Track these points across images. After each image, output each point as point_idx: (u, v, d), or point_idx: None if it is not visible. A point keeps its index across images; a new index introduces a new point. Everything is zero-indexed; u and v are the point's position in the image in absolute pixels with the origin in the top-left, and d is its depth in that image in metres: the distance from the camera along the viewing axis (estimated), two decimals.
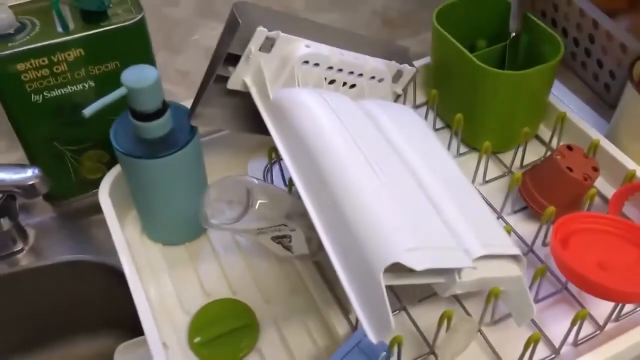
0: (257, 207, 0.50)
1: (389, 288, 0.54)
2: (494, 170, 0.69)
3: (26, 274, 0.69)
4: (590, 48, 0.75)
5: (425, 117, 0.74)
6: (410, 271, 0.47)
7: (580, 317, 0.50)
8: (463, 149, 0.72)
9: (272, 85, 0.56)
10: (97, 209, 0.67)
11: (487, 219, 0.53)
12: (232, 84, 0.57)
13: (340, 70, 0.60)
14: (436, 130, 0.74)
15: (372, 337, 0.42)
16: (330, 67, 0.59)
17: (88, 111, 0.52)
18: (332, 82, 0.60)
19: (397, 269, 0.46)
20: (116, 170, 0.65)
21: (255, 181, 0.51)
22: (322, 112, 0.53)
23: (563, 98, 0.76)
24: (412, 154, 0.54)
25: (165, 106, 0.56)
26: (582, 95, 0.78)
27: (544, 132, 0.72)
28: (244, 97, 0.58)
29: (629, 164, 0.64)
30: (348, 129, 0.52)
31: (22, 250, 0.69)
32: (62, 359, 0.75)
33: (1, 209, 0.64)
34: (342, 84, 0.61)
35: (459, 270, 0.48)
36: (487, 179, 0.68)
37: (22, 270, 0.68)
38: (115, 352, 0.58)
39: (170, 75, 0.79)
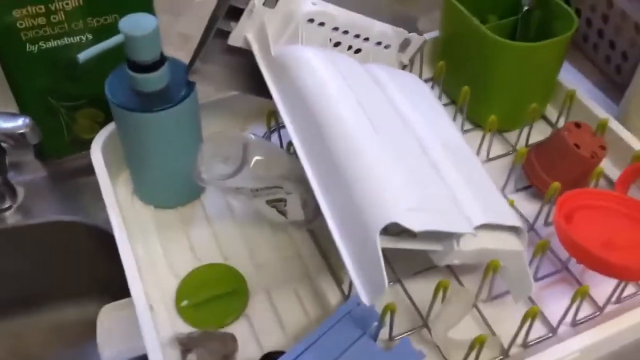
0: (252, 164, 0.48)
1: (384, 258, 0.52)
2: (498, 149, 0.68)
3: (13, 232, 0.67)
4: (603, 29, 0.73)
5: None
6: (407, 235, 0.45)
7: (581, 294, 0.48)
8: (467, 126, 0.70)
9: (274, 42, 0.54)
10: (89, 170, 0.65)
11: (489, 189, 0.51)
12: (234, 40, 0.55)
13: (346, 32, 0.58)
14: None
15: (365, 299, 0.41)
16: (336, 28, 0.57)
17: (83, 56, 0.50)
18: (337, 44, 0.58)
19: (393, 231, 0.44)
20: (110, 127, 0.63)
21: (253, 137, 0.49)
22: (326, 70, 0.51)
23: (572, 80, 0.74)
24: (416, 119, 0.53)
25: (163, 59, 0.54)
26: (592, 78, 0.76)
27: (552, 112, 0.70)
28: (245, 56, 0.56)
29: (637, 145, 0.62)
30: (352, 89, 0.50)
31: (10, 207, 0.67)
32: (47, 324, 0.74)
33: None
34: (347, 47, 0.59)
35: (457, 238, 0.46)
36: (490, 156, 0.66)
37: (9, 228, 0.66)
38: (99, 313, 0.56)
39: (171, 38, 0.77)
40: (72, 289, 0.73)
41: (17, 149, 0.57)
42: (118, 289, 0.59)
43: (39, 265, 0.70)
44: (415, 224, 0.41)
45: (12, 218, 0.67)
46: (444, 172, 0.49)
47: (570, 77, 0.74)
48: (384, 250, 0.40)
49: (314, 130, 0.47)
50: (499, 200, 0.51)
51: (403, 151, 0.48)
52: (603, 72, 0.76)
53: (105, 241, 0.67)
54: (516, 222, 0.49)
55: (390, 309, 0.46)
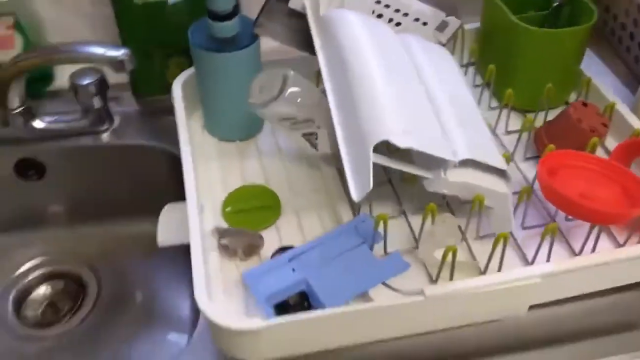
0: (288, 93, 0.60)
1: (395, 193, 0.63)
2: (518, 124, 0.76)
3: (106, 149, 0.83)
4: (634, 32, 0.80)
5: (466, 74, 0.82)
6: (399, 158, 0.56)
7: (551, 230, 0.56)
8: (495, 104, 0.78)
9: (325, 7, 0.66)
10: (172, 110, 0.81)
11: (484, 137, 0.61)
12: (293, 4, 0.68)
13: (387, 6, 0.69)
14: (475, 86, 0.81)
15: (354, 195, 0.51)
16: (379, 2, 0.68)
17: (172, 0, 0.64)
18: (379, 16, 0.70)
19: (388, 151, 0.55)
20: (189, 71, 0.77)
21: (292, 72, 0.61)
22: (359, 27, 0.62)
23: (601, 77, 0.81)
24: (432, 76, 0.63)
25: (235, 11, 0.68)
26: (621, 78, 0.83)
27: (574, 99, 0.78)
28: (301, 18, 0.69)
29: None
30: (379, 44, 0.61)
31: (107, 130, 0.83)
32: (114, 234, 0.88)
33: (96, 88, 0.79)
34: (388, 20, 0.70)
35: (445, 168, 0.56)
36: (509, 129, 0.75)
37: (104, 146, 0.82)
38: (163, 208, 0.69)
39: None
40: (144, 206, 0.87)
41: (115, 71, 0.72)
42: None
43: (122, 181, 0.85)
44: (403, 143, 0.52)
45: (107, 138, 0.83)
46: (444, 115, 0.59)
47: (600, 73, 0.81)
48: (395, 185, 0.50)
49: (340, 71, 0.59)
50: (491, 147, 0.60)
51: (409, 92, 0.58)
52: (633, 73, 0.82)
53: (177, 167, 0.81)
54: (502, 165, 0.58)
55: (382, 218, 0.57)
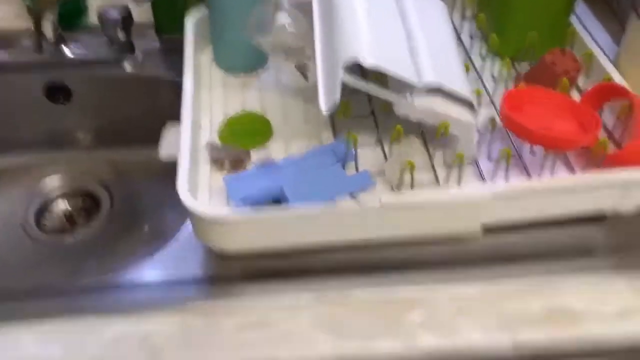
0: (278, 21, 0.66)
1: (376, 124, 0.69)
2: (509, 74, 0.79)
3: (127, 79, 0.91)
4: None
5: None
6: (367, 82, 0.61)
7: (507, 152, 0.60)
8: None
9: None
10: None
11: (456, 73, 0.65)
12: None
13: None
14: (472, 38, 0.85)
15: (323, 106, 0.57)
16: None
17: None
18: None
19: (364, 78, 0.60)
20: (203, 10, 0.84)
21: (283, 2, 0.67)
22: None
23: (596, 34, 0.84)
24: (414, 19, 0.67)
25: None
26: (616, 36, 0.86)
27: None
28: None
29: (618, 77, 0.72)
30: None
31: (129, 62, 0.91)
32: (130, 159, 0.95)
33: (121, 21, 0.86)
34: None
35: (411, 92, 0.61)
36: (495, 75, 0.79)
37: (125, 75, 0.91)
38: (165, 128, 0.77)
39: None
40: (156, 133, 0.94)
41: (135, 2, 0.80)
42: None
43: (140, 110, 0.93)
44: (368, 62, 0.57)
45: (128, 69, 0.91)
46: (417, 51, 0.63)
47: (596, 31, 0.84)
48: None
49: (327, 3, 0.65)
50: (461, 82, 0.64)
51: (386, 25, 0.63)
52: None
53: None
54: (468, 96, 0.63)
55: (353, 137, 0.62)
